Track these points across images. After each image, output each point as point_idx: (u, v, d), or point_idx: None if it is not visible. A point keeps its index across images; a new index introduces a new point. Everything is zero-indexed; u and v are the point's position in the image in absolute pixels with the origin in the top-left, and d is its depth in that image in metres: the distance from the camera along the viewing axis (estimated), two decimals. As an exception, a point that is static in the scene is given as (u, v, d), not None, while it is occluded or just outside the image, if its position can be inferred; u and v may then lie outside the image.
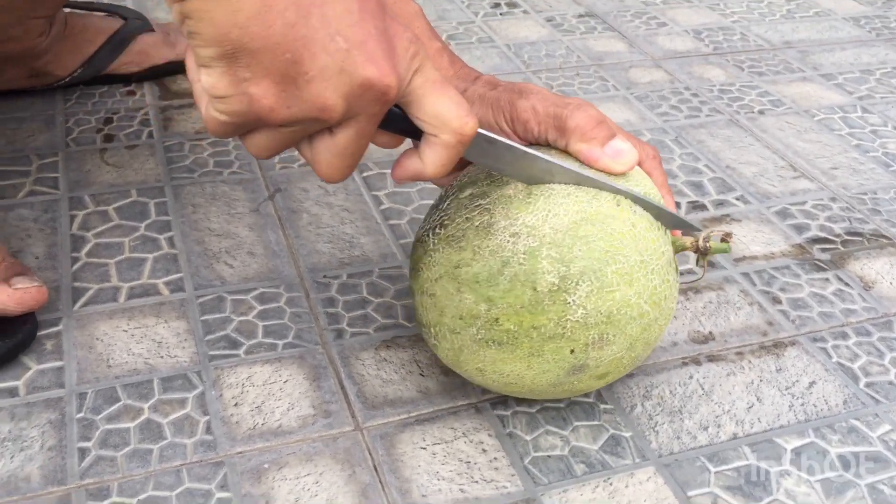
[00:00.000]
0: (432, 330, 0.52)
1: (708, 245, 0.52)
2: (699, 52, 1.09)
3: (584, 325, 0.49)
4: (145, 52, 0.91)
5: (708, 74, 1.03)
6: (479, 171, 0.53)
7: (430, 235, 0.52)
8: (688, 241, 0.54)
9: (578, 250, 0.48)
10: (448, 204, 0.52)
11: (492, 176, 0.52)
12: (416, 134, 0.45)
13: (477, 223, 0.50)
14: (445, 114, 0.44)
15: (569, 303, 0.48)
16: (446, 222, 0.51)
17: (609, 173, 0.51)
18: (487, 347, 0.50)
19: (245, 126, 0.42)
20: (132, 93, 0.91)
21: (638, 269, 0.49)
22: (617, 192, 0.50)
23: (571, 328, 0.49)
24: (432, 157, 0.45)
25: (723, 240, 0.53)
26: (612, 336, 0.50)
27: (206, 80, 0.40)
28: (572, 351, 0.49)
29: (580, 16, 1.17)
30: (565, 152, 0.52)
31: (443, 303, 0.51)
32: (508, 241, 0.49)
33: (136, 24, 0.91)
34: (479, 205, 0.50)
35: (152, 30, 0.92)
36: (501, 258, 0.49)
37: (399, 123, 0.45)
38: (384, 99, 0.42)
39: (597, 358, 0.50)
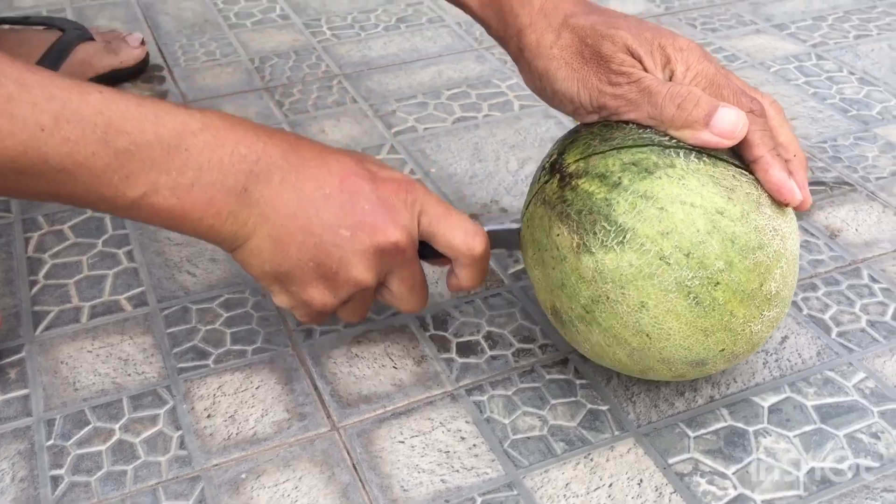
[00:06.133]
0: (627, 236, 0.47)
1: None
2: (651, 13, 1.08)
3: (747, 339, 0.50)
4: (87, 61, 0.89)
5: (661, 35, 1.02)
6: None
7: (683, 155, 0.48)
8: None
9: (791, 280, 0.50)
10: None
11: (739, 158, 0.50)
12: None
13: (746, 190, 0.48)
14: (453, 242, 0.53)
15: (763, 315, 0.49)
16: (706, 160, 0.48)
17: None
18: (683, 297, 0.47)
19: (323, 315, 0.54)
20: (79, 105, 0.89)
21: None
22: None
23: (744, 334, 0.49)
24: (463, 275, 0.55)
25: None
26: (739, 358, 0.51)
27: (274, 299, 0.54)
28: (722, 350, 0.49)
29: (529, -14, 1.15)
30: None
31: (675, 226, 0.47)
32: (770, 231, 0.48)
33: (74, 35, 0.89)
34: (745, 174, 0.49)
35: (92, 39, 0.90)
36: (760, 240, 0.48)
37: (434, 255, 0.55)
38: (401, 252, 0.51)
39: (717, 365, 0.51)
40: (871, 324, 0.62)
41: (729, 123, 0.48)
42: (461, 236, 0.53)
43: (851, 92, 0.91)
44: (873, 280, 0.66)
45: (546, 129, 0.84)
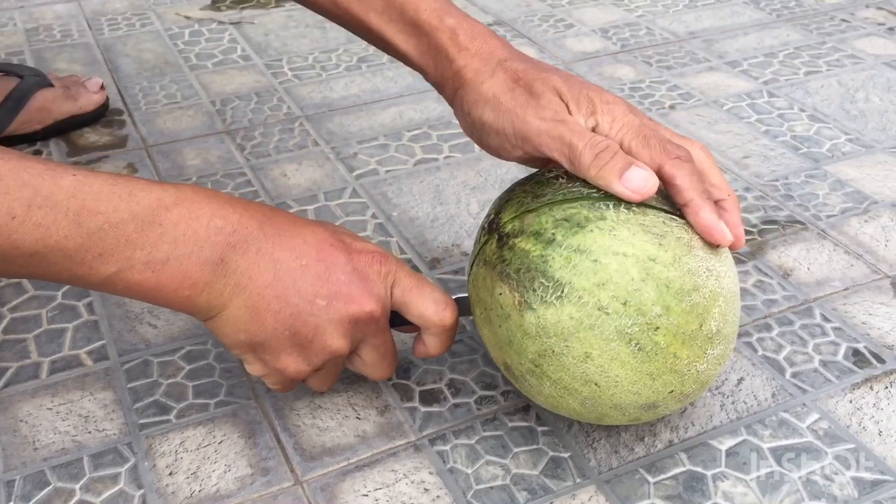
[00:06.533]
0: (565, 290, 0.48)
1: None
2: (608, 51, 1.10)
3: (695, 379, 0.51)
4: (46, 108, 0.88)
5: (618, 73, 1.05)
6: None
7: (612, 206, 0.50)
8: None
9: (732, 317, 0.51)
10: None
11: (670, 203, 0.51)
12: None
13: (677, 235, 0.49)
14: (425, 313, 0.55)
15: (706, 354, 0.50)
16: (636, 209, 0.50)
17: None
18: (625, 344, 0.48)
19: (294, 382, 0.55)
20: (38, 152, 0.88)
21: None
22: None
23: (691, 374, 0.50)
24: (431, 343, 0.56)
25: None
26: (690, 398, 0.52)
27: (246, 368, 0.54)
28: (671, 392, 0.50)
29: (489, 24, 1.17)
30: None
31: (609, 276, 0.48)
32: (704, 272, 0.49)
33: (32, 81, 0.88)
34: (675, 219, 0.50)
35: (51, 85, 0.89)
36: (694, 282, 0.49)
37: (403, 322, 0.56)
38: (375, 321, 0.53)
39: (670, 406, 0.52)
40: (824, 364, 0.64)
41: (639, 181, 0.49)
42: (433, 307, 0.54)
43: (802, 129, 0.93)
44: (825, 319, 0.68)
45: (506, 171, 0.86)
